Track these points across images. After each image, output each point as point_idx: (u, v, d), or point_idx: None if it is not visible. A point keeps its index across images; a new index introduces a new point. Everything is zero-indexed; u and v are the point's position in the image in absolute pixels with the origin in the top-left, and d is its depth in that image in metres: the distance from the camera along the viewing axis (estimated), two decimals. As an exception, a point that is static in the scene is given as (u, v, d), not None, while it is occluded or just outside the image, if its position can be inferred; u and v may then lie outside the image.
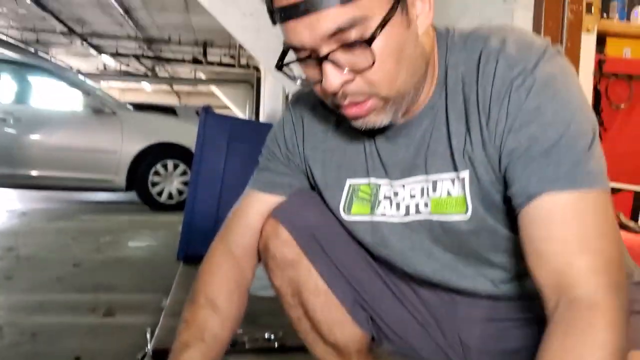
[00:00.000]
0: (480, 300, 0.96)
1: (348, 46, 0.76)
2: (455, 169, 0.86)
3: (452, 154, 0.85)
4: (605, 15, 2.26)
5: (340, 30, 0.74)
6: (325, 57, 0.77)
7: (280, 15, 0.76)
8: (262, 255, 1.06)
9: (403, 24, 0.78)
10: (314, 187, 1.05)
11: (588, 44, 1.60)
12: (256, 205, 1.06)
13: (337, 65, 0.77)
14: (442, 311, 1.02)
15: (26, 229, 4.60)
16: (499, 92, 0.79)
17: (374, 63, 0.76)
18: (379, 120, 0.83)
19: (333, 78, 0.77)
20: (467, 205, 0.86)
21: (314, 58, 0.78)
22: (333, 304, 1.06)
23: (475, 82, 0.82)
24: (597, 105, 2.08)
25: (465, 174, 0.85)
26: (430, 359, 1.04)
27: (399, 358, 1.09)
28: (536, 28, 1.60)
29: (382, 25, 0.75)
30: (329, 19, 0.73)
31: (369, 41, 0.75)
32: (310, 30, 0.75)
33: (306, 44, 0.77)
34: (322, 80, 0.79)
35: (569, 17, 1.56)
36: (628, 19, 2.40)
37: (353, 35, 0.75)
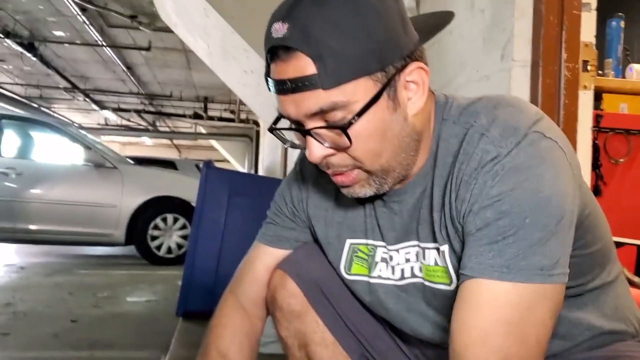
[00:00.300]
0: None
1: (330, 126, 0.79)
2: (436, 241, 0.88)
3: (433, 227, 0.87)
4: (600, 72, 2.32)
5: (323, 111, 0.78)
6: (308, 132, 0.81)
7: (272, 86, 0.81)
8: (269, 306, 1.07)
9: (389, 107, 0.80)
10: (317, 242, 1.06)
11: (585, 100, 1.63)
12: (264, 258, 1.08)
13: (320, 139, 0.81)
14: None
15: (24, 283, 4.55)
16: (470, 173, 0.80)
17: (350, 145, 0.80)
18: (363, 191, 0.87)
19: (315, 151, 0.82)
20: (450, 276, 0.87)
21: (300, 130, 0.82)
22: (340, 356, 1.05)
23: (456, 159, 0.84)
24: (596, 160, 2.11)
25: (445, 248, 0.87)
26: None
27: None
28: (533, 86, 1.63)
29: (361, 112, 0.78)
30: (312, 100, 0.77)
31: (345, 126, 0.78)
32: (295, 107, 0.79)
33: (292, 118, 0.81)
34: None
35: (565, 75, 1.60)
36: (623, 75, 2.45)
37: (337, 115, 0.78)
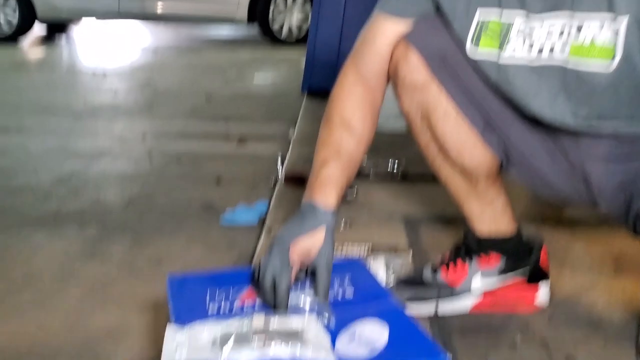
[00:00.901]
0: (603, 140, 0.92)
1: None
2: (612, 10, 0.78)
3: None
4: None
5: None
6: None
7: None
8: (391, 79, 1.06)
9: None
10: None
11: None
12: (384, 29, 1.04)
13: None
14: (568, 143, 1.00)
15: (159, 64, 4.88)
16: None
17: None
18: None
19: None
20: (615, 54, 0.79)
21: None
22: (463, 127, 1.05)
23: None
24: None
25: (623, 19, 0.77)
26: (556, 186, 1.05)
27: (526, 184, 1.11)
28: None
29: None
30: None
31: None
32: None
33: None
34: None
35: None
36: None
37: None
